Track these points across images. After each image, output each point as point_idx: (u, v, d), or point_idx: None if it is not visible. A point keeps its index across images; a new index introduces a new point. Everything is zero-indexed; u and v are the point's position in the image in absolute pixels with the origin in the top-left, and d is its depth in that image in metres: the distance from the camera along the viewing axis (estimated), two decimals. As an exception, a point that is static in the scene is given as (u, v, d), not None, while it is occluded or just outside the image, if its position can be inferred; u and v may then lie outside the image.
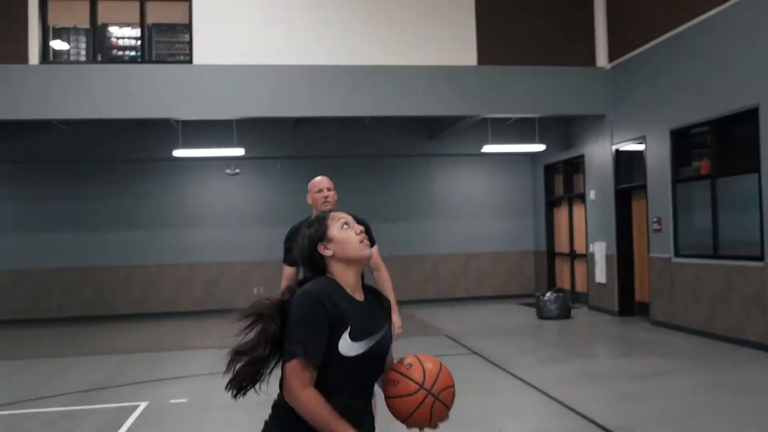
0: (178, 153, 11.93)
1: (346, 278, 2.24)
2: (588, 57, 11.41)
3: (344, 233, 2.24)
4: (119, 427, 5.62)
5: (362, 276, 2.31)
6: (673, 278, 9.44)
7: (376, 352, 2.18)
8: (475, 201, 14.33)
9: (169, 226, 13.41)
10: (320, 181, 4.59)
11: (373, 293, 2.36)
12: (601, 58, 11.34)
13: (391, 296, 3.89)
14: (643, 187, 10.32)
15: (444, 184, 14.29)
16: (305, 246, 2.26)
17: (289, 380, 2.06)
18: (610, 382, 6.64)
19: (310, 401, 2.05)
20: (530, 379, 6.81)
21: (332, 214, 2.31)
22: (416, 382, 2.16)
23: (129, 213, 13.32)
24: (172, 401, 6.45)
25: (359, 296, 2.25)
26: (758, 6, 7.78)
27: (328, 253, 2.23)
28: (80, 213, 13.20)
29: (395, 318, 3.35)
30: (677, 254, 9.44)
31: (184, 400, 6.46)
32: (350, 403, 2.14)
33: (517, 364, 7.53)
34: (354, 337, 2.13)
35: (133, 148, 13.13)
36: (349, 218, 2.31)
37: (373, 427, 2.28)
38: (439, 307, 13.04)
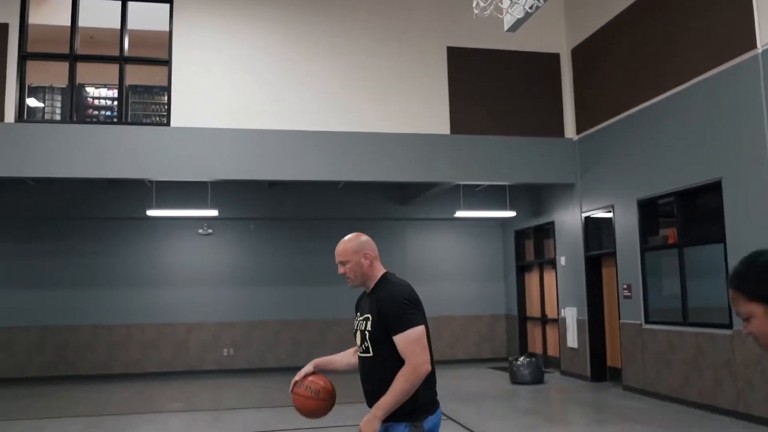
0: (151, 213, 11.89)
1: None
2: (557, 128, 11.82)
3: None
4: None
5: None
6: (645, 344, 9.58)
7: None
8: (447, 264, 14.46)
9: (139, 285, 13.22)
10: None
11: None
12: (569, 130, 11.76)
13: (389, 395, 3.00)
14: (613, 254, 10.57)
15: (417, 247, 14.44)
16: None
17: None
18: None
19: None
20: (507, 445, 6.78)
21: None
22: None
23: (97, 271, 13.12)
24: (142, 468, 6.25)
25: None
26: (722, 84, 8.22)
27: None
28: (46, 270, 12.95)
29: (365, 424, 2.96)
30: (647, 320, 9.61)
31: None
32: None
33: (491, 431, 7.50)
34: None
35: (106, 206, 13.02)
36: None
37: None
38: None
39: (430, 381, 3.02)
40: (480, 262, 14.66)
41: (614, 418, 8.29)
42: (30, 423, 8.65)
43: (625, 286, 10.12)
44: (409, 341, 2.93)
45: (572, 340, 11.60)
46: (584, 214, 11.35)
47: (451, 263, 14.49)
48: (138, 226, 13.34)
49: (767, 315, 1.74)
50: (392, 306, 3.01)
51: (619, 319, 10.29)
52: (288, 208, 13.63)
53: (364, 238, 3.33)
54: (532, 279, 13.92)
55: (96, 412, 9.32)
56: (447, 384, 11.33)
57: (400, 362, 2.95)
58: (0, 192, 12.51)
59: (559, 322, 12.18)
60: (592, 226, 11.37)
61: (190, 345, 13.32)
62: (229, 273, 13.54)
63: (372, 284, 3.23)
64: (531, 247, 13.85)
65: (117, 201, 13.02)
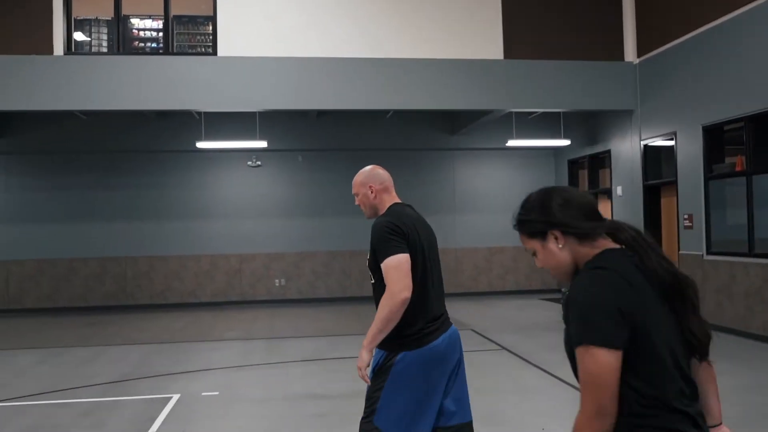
0: (201, 145, 11.89)
1: None
2: (616, 51, 11.25)
3: None
4: (153, 419, 5.58)
5: None
6: (705, 276, 9.30)
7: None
8: (498, 195, 14.21)
9: (191, 217, 13.39)
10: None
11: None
12: (630, 53, 11.18)
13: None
14: (673, 183, 10.18)
15: (467, 178, 14.19)
16: None
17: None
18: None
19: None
20: (566, 377, 6.71)
21: None
22: None
23: (150, 204, 13.31)
24: (203, 394, 6.40)
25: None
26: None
27: None
28: (102, 204, 13.20)
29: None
30: (709, 251, 9.30)
31: (216, 393, 6.41)
32: None
33: (549, 362, 7.43)
34: None
35: (154, 139, 13.10)
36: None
37: None
38: (462, 302, 12.95)
39: (415, 316, 3.00)
40: (531, 192, 14.31)
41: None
42: (94, 349, 8.96)
43: (686, 216, 9.76)
44: (388, 268, 2.96)
45: (627, 272, 11.34)
46: (643, 142, 10.90)
47: (501, 194, 14.23)
48: (189, 159, 13.41)
49: (545, 249, 1.94)
50: (375, 235, 3.06)
51: (678, 250, 9.98)
52: (336, 139, 13.48)
53: (375, 171, 3.36)
54: (585, 210, 13.57)
55: (156, 340, 9.60)
56: (499, 315, 11.31)
57: (380, 286, 3.00)
58: (54, 126, 12.68)
59: (613, 254, 11.90)
60: (651, 154, 10.92)
61: (243, 276, 13.54)
62: (279, 205, 13.59)
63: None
64: (585, 176, 13.47)
65: (167, 133, 13.07)
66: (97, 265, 13.21)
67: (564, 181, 14.08)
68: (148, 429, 5.32)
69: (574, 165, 13.78)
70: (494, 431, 5.11)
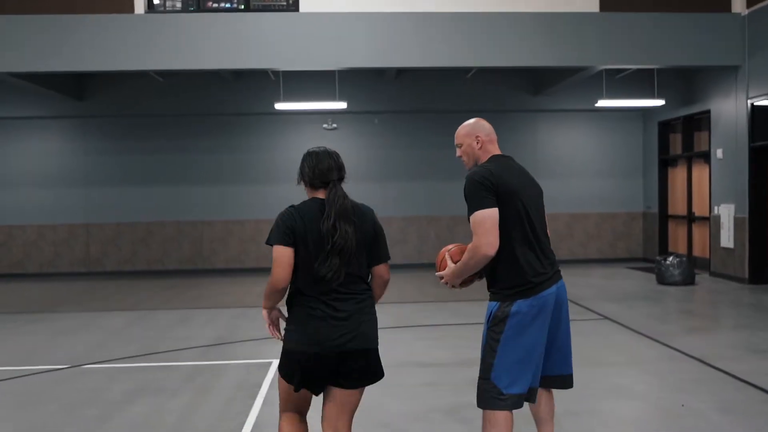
0: (279, 106, 11.62)
1: None
2: (722, 1, 10.43)
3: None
4: (258, 385, 5.38)
5: None
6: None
7: None
8: (581, 159, 13.59)
9: (267, 181, 13.23)
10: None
11: None
12: (737, 3, 10.34)
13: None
14: (786, 145, 9.42)
15: (549, 140, 13.59)
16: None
17: (388, 272, 3.19)
18: (777, 355, 6.02)
19: None
20: (685, 349, 6.25)
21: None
22: None
23: (226, 168, 13.20)
24: (304, 359, 6.19)
25: None
26: None
27: None
28: (178, 167, 13.16)
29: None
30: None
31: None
32: None
33: (659, 333, 6.96)
34: None
35: (231, 101, 12.91)
36: None
37: None
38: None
39: (528, 265, 3.06)
40: (617, 156, 13.65)
41: (792, 323, 7.51)
42: (180, 312, 8.90)
43: (802, 180, 9.01)
44: (473, 223, 3.04)
45: (727, 240, 10.67)
46: (751, 101, 10.11)
47: (585, 158, 13.60)
48: (264, 122, 13.20)
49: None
50: (465, 188, 3.08)
51: (792, 216, 9.27)
52: (414, 100, 13.04)
53: (481, 122, 3.34)
54: (677, 174, 12.85)
55: (240, 304, 9.50)
56: (588, 283, 10.82)
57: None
58: (131, 89, 12.61)
59: (710, 221, 11.22)
60: (759, 114, 10.13)
61: (318, 240, 13.35)
62: (355, 169, 13.14)
63: None
64: (678, 139, 12.70)
65: (243, 95, 12.86)
66: (173, 228, 13.23)
67: (653, 145, 13.33)
68: (256, 394, 5.12)
69: (665, 127, 13.00)
70: (631, 406, 4.71)
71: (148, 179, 13.13)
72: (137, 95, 12.66)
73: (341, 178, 3.11)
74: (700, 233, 12.05)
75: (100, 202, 13.12)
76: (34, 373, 5.87)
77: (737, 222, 10.46)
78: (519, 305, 3.04)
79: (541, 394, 3.30)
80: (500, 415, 3.05)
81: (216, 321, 8.19)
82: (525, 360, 3.04)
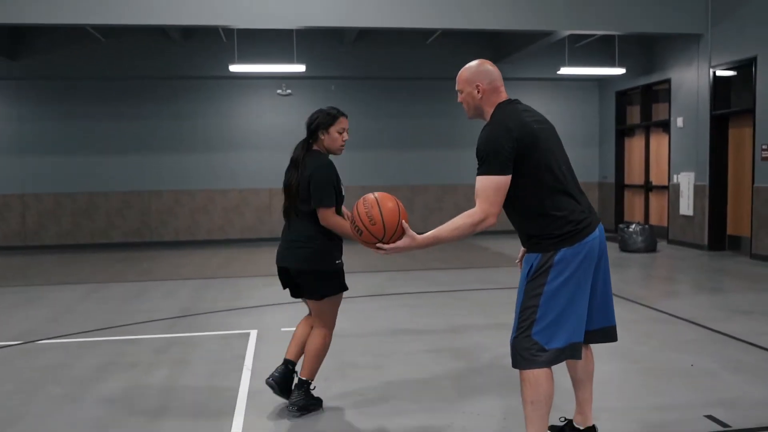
0: (234, 68, 10.98)
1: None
2: (685, -31, 10.40)
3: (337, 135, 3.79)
4: (241, 356, 4.99)
5: None
6: (787, 209, 8.75)
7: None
8: (539, 129, 13.50)
9: (218, 149, 12.62)
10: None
11: None
12: (700, -30, 10.35)
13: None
14: (748, 112, 9.52)
15: (508, 110, 13.42)
16: (315, 125, 3.80)
17: (326, 218, 3.64)
18: (762, 315, 6.02)
19: (338, 221, 3.65)
20: (670, 311, 6.18)
21: (342, 118, 3.82)
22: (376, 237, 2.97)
23: (174, 135, 12.51)
24: (283, 329, 5.81)
25: None
26: None
27: (323, 136, 3.79)
28: (122, 134, 12.38)
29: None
30: (792, 184, 8.72)
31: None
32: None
33: (640, 297, 6.90)
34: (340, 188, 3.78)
35: (179, 63, 12.16)
36: (346, 127, 3.84)
37: None
38: (506, 239, 12.38)
39: (569, 210, 2.84)
40: (573, 126, 13.64)
41: (750, 285, 7.58)
42: (135, 285, 8.34)
43: (764, 147, 9.14)
44: (479, 188, 2.83)
45: (687, 208, 10.80)
46: (713, 69, 10.17)
47: (543, 128, 13.53)
48: (215, 86, 12.54)
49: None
50: (479, 148, 2.84)
51: (753, 183, 9.40)
52: (373, 66, 12.62)
53: (483, 66, 3.02)
54: (634, 144, 12.93)
55: (199, 275, 8.98)
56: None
57: (521, 193, 2.86)
58: (70, 48, 11.67)
59: (669, 189, 11.33)
60: (720, 83, 10.21)
61: (274, 211, 12.87)
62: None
63: (488, 118, 2.98)
64: (636, 109, 12.76)
65: (192, 57, 12.12)
66: (119, 200, 12.47)
67: (609, 115, 13.38)
68: (241, 366, 4.73)
69: (622, 96, 13.04)
70: (638, 368, 4.55)
71: (90, 147, 12.30)
72: (77, 56, 11.75)
73: (309, 133, 3.81)
74: (657, 202, 12.19)
75: (37, 171, 12.22)
76: (-17, 350, 5.30)
77: (697, 190, 10.58)
78: (563, 253, 2.81)
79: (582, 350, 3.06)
80: (541, 374, 2.82)
81: (177, 293, 7.68)
82: (568, 312, 2.83)
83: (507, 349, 4.96)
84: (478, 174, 2.82)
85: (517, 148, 2.79)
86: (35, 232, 12.29)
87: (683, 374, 4.39)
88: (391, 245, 2.90)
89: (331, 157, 3.82)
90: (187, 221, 12.65)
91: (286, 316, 6.36)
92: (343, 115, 3.80)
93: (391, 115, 12.95)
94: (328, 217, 3.62)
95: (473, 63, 3.05)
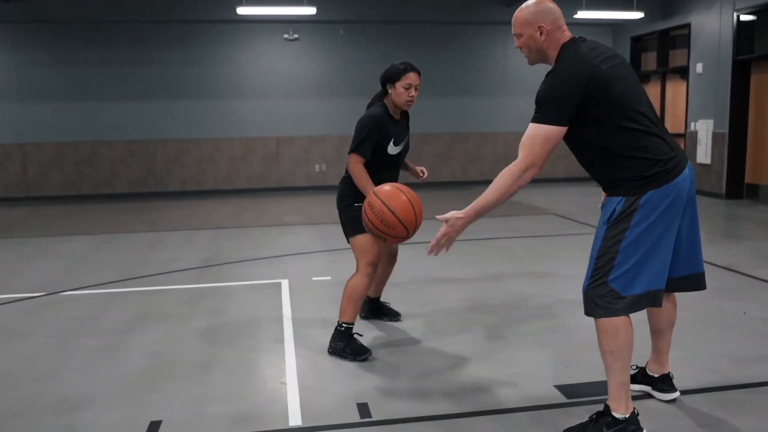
0: (242, 10, 10.54)
1: (391, 108, 3.84)
2: None
3: (403, 90, 3.76)
4: (278, 306, 4.84)
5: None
6: (813, 156, 8.60)
7: (402, 151, 3.92)
8: (551, 76, 13.19)
9: (225, 97, 12.25)
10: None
11: (405, 116, 4.01)
12: None
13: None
14: (773, 57, 9.29)
15: (520, 56, 13.06)
16: (383, 78, 3.83)
17: (350, 163, 3.75)
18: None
19: (359, 172, 3.72)
20: (706, 259, 6.06)
21: (411, 74, 3.76)
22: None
23: (179, 82, 12.11)
24: (314, 279, 5.66)
25: (397, 117, 3.88)
26: None
27: (390, 90, 3.79)
28: (125, 81, 11.96)
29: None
30: (819, 130, 8.55)
31: (328, 278, 5.67)
32: (385, 175, 3.77)
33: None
34: (396, 143, 3.82)
35: (183, 6, 11.72)
36: (414, 83, 3.77)
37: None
38: (528, 190, 12.21)
39: (650, 154, 2.62)
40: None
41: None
42: (148, 235, 8.14)
43: (790, 93, 8.93)
44: (529, 136, 2.66)
45: (704, 155, 10.63)
46: (737, 14, 9.87)
47: (555, 75, 13.21)
48: (220, 31, 12.08)
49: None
50: (540, 92, 2.65)
51: (777, 130, 9.23)
52: (381, 10, 12.22)
53: (544, 5, 2.75)
54: (650, 91, 12.62)
55: (211, 225, 8.78)
56: (572, 200, 10.70)
57: (591, 144, 2.70)
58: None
59: (686, 137, 11.14)
60: (744, 27, 9.92)
61: (281, 160, 12.60)
62: (319, 83, 12.45)
63: (552, 62, 2.76)
64: (651, 55, 12.45)
65: (197, 1, 11.69)
66: (123, 148, 12.16)
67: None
68: (281, 317, 4.58)
69: (638, 42, 12.71)
70: (687, 316, 4.45)
71: (92, 94, 11.90)
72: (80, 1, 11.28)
73: (381, 86, 3.87)
74: (672, 150, 12.00)
75: (37, 120, 11.84)
76: (1, 303, 5.12)
77: (716, 137, 10.40)
78: (650, 196, 2.62)
79: (665, 299, 2.92)
80: (618, 322, 2.66)
81: (194, 243, 7.50)
82: (650, 258, 2.65)
83: (549, 298, 4.88)
84: (532, 121, 2.66)
85: (584, 94, 2.59)
86: (36, 182, 12.00)
87: (738, 322, 4.29)
88: (435, 243, 2.79)
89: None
90: (193, 171, 12.37)
91: (316, 265, 6.22)
92: (413, 70, 3.75)
93: (400, 58, 12.56)
94: (351, 163, 3.75)
95: (530, 2, 2.78)
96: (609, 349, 2.69)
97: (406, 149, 3.96)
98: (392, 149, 3.81)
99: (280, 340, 4.11)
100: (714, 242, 7.19)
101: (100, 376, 3.59)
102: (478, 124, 13.11)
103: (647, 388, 3.15)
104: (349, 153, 3.75)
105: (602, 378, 2.87)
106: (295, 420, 3.00)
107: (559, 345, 3.90)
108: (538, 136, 2.62)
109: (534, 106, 2.66)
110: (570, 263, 6.08)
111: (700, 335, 4.06)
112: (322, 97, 12.49)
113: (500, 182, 2.68)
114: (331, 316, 4.36)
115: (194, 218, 9.46)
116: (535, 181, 12.98)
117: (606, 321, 2.68)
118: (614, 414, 2.69)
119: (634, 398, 2.99)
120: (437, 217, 2.79)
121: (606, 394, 2.75)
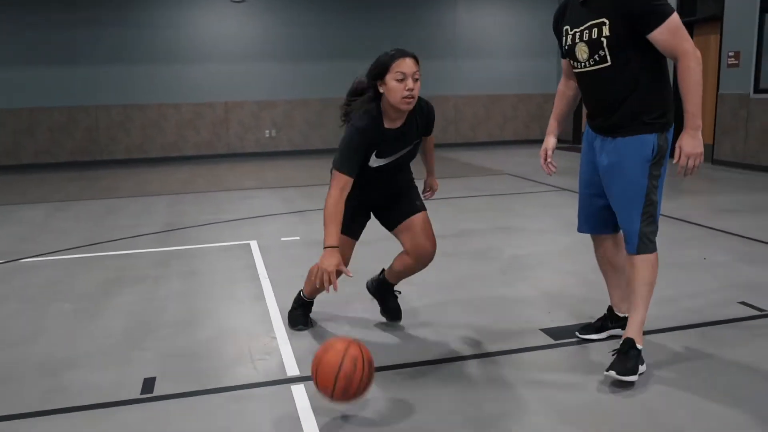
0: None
1: (388, 112, 2.98)
2: None
3: (396, 84, 2.86)
4: (251, 266, 4.82)
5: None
6: (751, 116, 9.00)
7: (393, 163, 3.13)
8: (499, 40, 13.33)
9: (170, 61, 11.89)
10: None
11: (416, 118, 3.11)
12: None
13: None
14: (713, 20, 9.61)
15: (468, 20, 13.15)
16: (369, 77, 2.96)
17: (331, 179, 2.98)
18: (747, 213, 6.24)
19: (330, 196, 2.92)
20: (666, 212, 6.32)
21: (401, 60, 2.85)
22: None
23: (122, 45, 11.68)
24: (283, 239, 5.64)
25: (398, 123, 3.03)
26: None
27: (381, 90, 2.92)
28: (64, 44, 11.45)
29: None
30: (757, 90, 8.95)
31: (297, 238, 5.66)
32: (371, 191, 3.23)
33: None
34: (380, 156, 3.06)
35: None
36: (410, 72, 2.85)
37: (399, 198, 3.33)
38: (467, 151, 12.38)
39: (671, 90, 2.81)
40: (533, 37, 13.52)
41: (722, 188, 7.86)
42: (103, 202, 7.91)
43: (731, 54, 9.30)
44: (674, 28, 2.59)
45: (648, 116, 10.98)
46: (682, -26, 10.15)
47: (503, 39, 13.36)
48: (161, -8, 11.69)
49: None
50: (637, 2, 2.58)
51: (718, 90, 9.60)
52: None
53: None
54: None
55: (168, 191, 8.59)
56: (520, 161, 10.86)
57: (641, 65, 2.71)
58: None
59: (630, 98, 11.47)
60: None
61: (230, 126, 12.37)
62: (268, 47, 12.22)
63: None
64: (596, 18, 12.69)
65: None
66: (63, 115, 11.68)
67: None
68: (257, 276, 4.56)
69: (583, 6, 12.93)
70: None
71: (30, 58, 11.35)
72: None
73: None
74: (617, 112, 12.35)
75: (-31, 85, 11.25)
76: (-35, 270, 4.92)
77: (659, 98, 10.74)
78: (669, 134, 2.86)
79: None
80: (656, 256, 2.89)
81: (152, 209, 7.33)
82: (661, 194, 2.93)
83: (530, 249, 5.01)
84: (665, 18, 2.58)
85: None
86: (-28, 151, 11.44)
87: (700, 266, 4.51)
88: (692, 167, 2.76)
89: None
90: (138, 138, 12.02)
91: (282, 226, 6.19)
92: (404, 55, 2.85)
93: (348, 21, 12.43)
94: (331, 179, 2.97)
95: None
96: (650, 281, 2.87)
97: (404, 158, 3.18)
98: (374, 161, 3.07)
99: (260, 297, 4.10)
100: (664, 197, 7.48)
101: (81, 338, 3.52)
102: (428, 87, 13.14)
103: (619, 330, 3.22)
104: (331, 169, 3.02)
105: (581, 321, 2.99)
106: (293, 370, 3.02)
107: (537, 291, 4.03)
108: (680, 25, 2.62)
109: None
110: (534, 219, 6.24)
111: (663, 279, 4.26)
112: (271, 61, 12.27)
113: (694, 78, 2.63)
114: (306, 273, 4.36)
115: (148, 185, 9.23)
116: (484, 144, 13.23)
117: (652, 255, 2.86)
118: (638, 346, 2.83)
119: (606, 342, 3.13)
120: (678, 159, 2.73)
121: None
